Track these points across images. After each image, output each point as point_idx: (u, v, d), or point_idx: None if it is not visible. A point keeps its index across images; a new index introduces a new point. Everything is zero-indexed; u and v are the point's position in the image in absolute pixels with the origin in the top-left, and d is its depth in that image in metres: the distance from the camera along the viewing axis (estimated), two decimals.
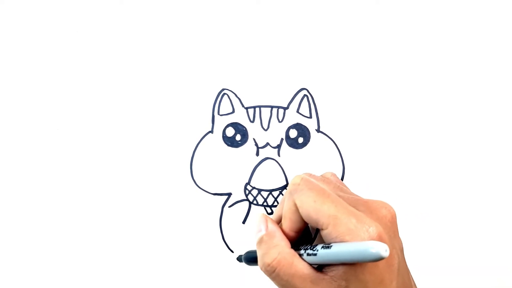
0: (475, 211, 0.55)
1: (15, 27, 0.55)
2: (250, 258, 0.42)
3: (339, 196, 0.32)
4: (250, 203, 0.54)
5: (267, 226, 0.34)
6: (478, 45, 0.56)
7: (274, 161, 0.54)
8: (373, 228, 0.29)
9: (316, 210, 0.30)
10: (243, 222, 0.54)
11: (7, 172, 0.54)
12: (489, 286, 0.54)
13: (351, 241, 0.29)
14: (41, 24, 0.55)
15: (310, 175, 0.36)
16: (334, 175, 0.35)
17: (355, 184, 0.54)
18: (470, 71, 0.56)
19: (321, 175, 0.34)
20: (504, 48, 0.57)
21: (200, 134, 0.54)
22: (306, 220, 0.32)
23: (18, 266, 0.53)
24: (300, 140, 0.55)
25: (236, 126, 0.55)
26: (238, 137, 0.55)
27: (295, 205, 0.32)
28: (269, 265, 0.32)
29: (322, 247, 0.30)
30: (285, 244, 0.33)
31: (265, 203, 0.54)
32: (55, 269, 0.53)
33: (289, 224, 0.33)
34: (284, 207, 0.33)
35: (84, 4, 0.55)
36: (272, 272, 0.32)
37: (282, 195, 0.54)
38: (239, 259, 0.47)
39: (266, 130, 0.55)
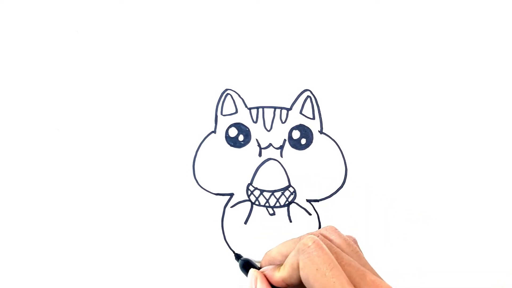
0: (475, 212, 0.55)
1: (15, 27, 0.54)
2: (245, 266, 0.42)
3: (350, 264, 0.32)
4: (252, 203, 0.54)
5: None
6: (479, 43, 0.56)
7: (276, 162, 0.54)
8: None
9: (315, 278, 0.31)
10: (245, 223, 0.54)
11: (7, 171, 0.54)
12: (489, 286, 0.54)
13: None
14: (41, 24, 0.54)
15: (333, 231, 0.35)
16: (356, 241, 0.35)
17: (357, 186, 0.54)
18: (472, 72, 0.56)
19: (345, 236, 0.34)
20: (504, 48, 0.56)
21: (203, 134, 0.54)
22: (304, 282, 0.32)
23: (18, 265, 0.53)
24: (303, 141, 0.54)
25: (239, 127, 0.54)
26: (241, 138, 0.54)
27: (298, 264, 0.32)
28: None
29: None
30: None
31: (267, 204, 0.54)
32: (58, 269, 0.53)
33: (284, 276, 0.34)
34: (288, 258, 0.33)
35: (84, 4, 0.54)
36: None
37: (285, 196, 0.54)
38: (237, 257, 0.47)
39: (269, 130, 0.54)
